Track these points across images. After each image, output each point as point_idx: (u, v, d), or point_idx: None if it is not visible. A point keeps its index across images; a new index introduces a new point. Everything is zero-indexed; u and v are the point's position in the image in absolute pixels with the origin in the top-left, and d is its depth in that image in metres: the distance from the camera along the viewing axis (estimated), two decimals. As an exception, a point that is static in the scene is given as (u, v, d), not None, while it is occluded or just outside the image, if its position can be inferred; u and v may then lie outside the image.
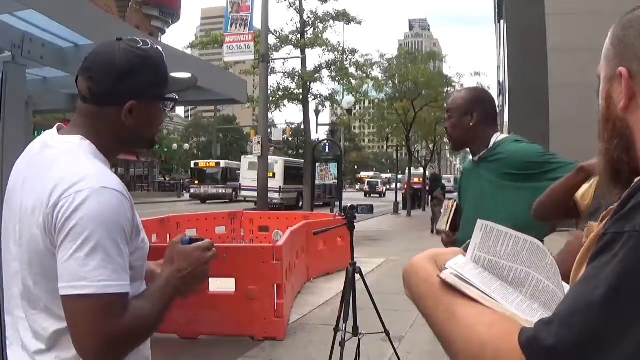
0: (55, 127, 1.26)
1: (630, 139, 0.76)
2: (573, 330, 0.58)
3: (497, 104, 2.40)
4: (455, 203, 2.51)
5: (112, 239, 1.09)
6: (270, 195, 16.39)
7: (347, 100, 20.09)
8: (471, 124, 2.33)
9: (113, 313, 1.07)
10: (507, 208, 2.18)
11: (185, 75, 1.43)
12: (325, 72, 18.25)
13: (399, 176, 32.83)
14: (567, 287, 0.79)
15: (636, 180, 0.67)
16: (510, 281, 0.73)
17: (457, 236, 2.40)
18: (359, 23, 18.53)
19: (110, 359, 1.10)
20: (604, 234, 0.63)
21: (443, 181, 24.59)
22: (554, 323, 0.60)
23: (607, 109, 0.79)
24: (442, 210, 2.50)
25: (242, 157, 33.70)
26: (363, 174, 67.36)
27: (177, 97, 1.35)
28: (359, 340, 3.83)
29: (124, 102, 1.21)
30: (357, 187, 49.16)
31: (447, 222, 2.43)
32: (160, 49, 1.31)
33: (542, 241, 0.76)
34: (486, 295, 0.69)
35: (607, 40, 0.82)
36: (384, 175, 67.43)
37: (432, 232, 16.56)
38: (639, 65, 0.75)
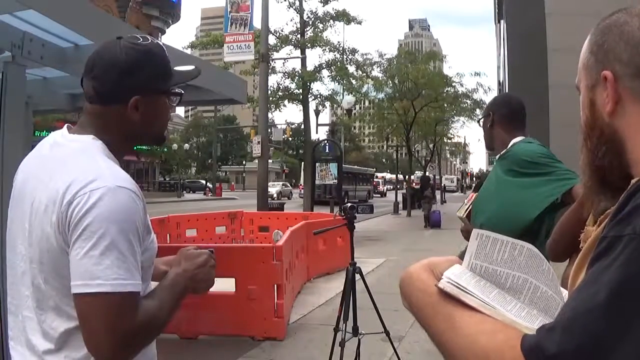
0: (65, 127, 1.26)
1: (620, 144, 0.75)
2: (575, 336, 0.57)
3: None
4: (476, 195, 2.66)
5: (126, 237, 1.09)
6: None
7: (347, 100, 20.07)
8: (488, 125, 2.49)
9: (127, 311, 1.08)
10: (496, 200, 2.31)
11: (188, 67, 1.43)
12: (325, 72, 18.26)
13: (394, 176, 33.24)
14: (564, 292, 0.79)
15: (633, 181, 0.67)
16: (508, 288, 0.72)
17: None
18: (359, 23, 18.52)
19: (124, 357, 1.11)
20: (603, 238, 0.62)
21: (444, 181, 26.92)
22: (556, 330, 0.59)
23: (591, 116, 0.78)
24: (465, 200, 2.68)
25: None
26: None
27: (183, 92, 1.35)
28: (359, 340, 3.83)
29: (128, 99, 1.22)
30: None
31: (465, 211, 2.57)
32: (161, 44, 1.32)
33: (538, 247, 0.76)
34: (485, 303, 0.69)
35: (585, 49, 0.81)
36: (379, 175, 67.61)
37: (425, 226, 18.23)
38: (622, 68, 0.74)
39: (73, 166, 1.14)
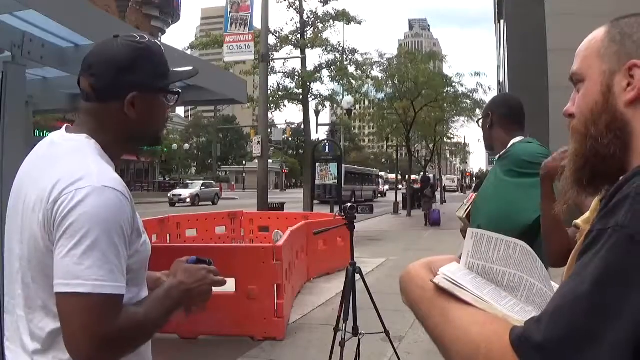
0: (63, 127, 1.26)
1: (629, 136, 0.76)
2: (560, 325, 0.59)
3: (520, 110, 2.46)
4: (475, 195, 2.65)
5: (110, 238, 1.08)
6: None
7: (347, 100, 20.08)
8: (488, 125, 2.48)
9: (106, 313, 1.06)
10: (496, 200, 2.31)
11: (187, 68, 1.43)
12: (325, 72, 18.25)
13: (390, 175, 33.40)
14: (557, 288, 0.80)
15: (621, 178, 0.68)
16: (505, 286, 0.74)
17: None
18: (359, 23, 18.50)
19: (102, 359, 1.09)
20: (590, 231, 0.65)
21: (445, 181, 28.36)
22: (542, 320, 0.61)
23: (603, 102, 0.79)
24: (464, 201, 2.67)
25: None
26: None
27: (180, 91, 1.34)
28: (359, 340, 3.83)
29: (126, 95, 1.22)
30: None
31: (465, 211, 2.57)
32: (159, 42, 1.32)
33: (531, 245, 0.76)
34: (479, 298, 0.71)
35: (602, 37, 0.82)
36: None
37: (425, 224, 19.08)
38: None
39: (62, 165, 1.14)
